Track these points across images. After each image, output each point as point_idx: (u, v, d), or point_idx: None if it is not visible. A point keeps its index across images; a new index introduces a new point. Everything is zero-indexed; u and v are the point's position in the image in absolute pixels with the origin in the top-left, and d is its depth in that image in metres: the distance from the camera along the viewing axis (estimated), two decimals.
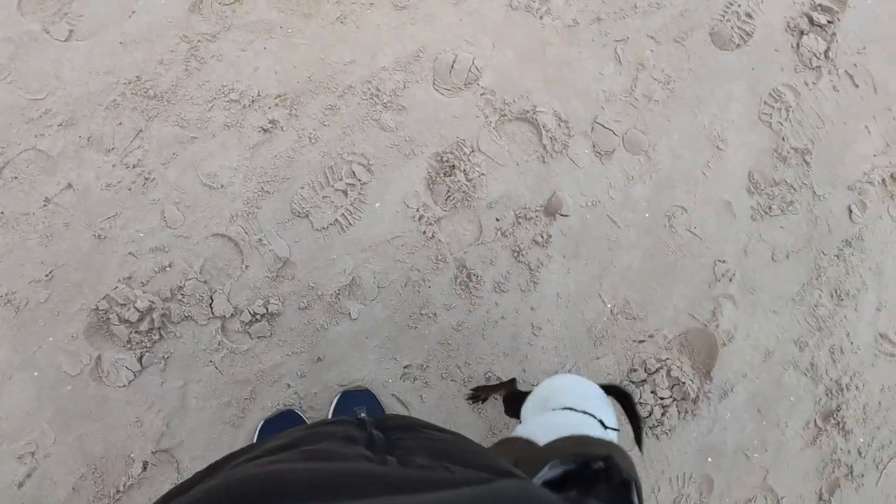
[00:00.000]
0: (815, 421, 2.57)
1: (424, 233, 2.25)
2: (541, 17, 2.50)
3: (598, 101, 2.52)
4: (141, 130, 2.06)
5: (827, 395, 2.58)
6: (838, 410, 2.58)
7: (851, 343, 2.64)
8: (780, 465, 2.49)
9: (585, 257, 2.40)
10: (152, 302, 1.98)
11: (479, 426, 2.22)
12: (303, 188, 2.16)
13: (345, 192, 2.21)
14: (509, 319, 2.30)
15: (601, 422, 1.41)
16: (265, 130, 2.16)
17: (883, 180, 2.82)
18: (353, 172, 2.23)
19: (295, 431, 0.92)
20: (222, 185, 2.10)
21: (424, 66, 2.36)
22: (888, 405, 2.67)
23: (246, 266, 2.08)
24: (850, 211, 2.74)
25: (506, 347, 2.29)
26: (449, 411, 2.20)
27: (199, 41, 2.16)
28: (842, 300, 2.66)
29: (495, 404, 2.26)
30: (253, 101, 2.17)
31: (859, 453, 2.60)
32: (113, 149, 2.03)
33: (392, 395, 2.16)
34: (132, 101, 2.07)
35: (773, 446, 2.49)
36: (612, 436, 1.41)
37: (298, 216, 2.14)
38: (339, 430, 0.89)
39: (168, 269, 2.01)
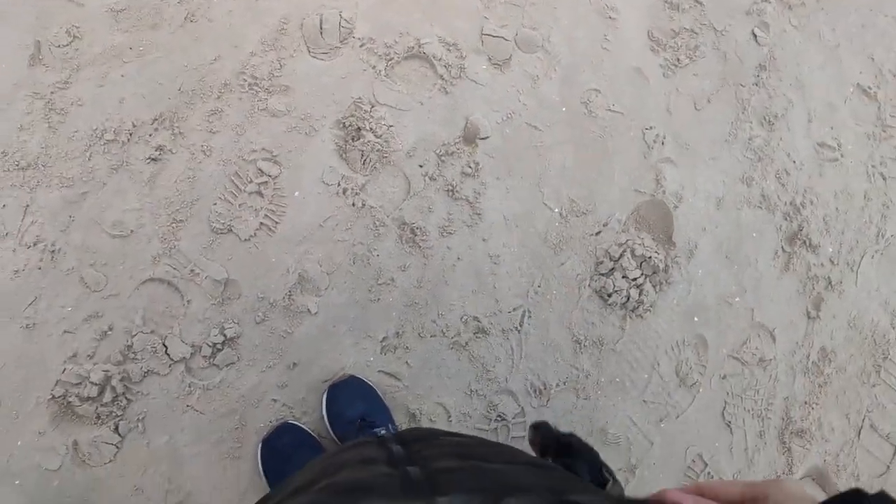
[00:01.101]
0: (783, 247, 2.64)
1: (353, 204, 2.20)
2: None
3: (479, 12, 2.44)
4: (27, 205, 1.95)
5: (786, 219, 2.64)
6: (801, 230, 2.65)
7: (794, 162, 2.69)
8: (762, 300, 2.57)
9: (519, 172, 2.38)
10: (106, 371, 1.91)
11: (472, 370, 2.24)
12: (215, 204, 2.07)
13: (259, 193, 2.13)
14: (466, 259, 2.28)
15: None
16: (155, 160, 2.05)
17: None
18: (261, 170, 2.14)
19: (314, 465, 0.93)
20: (132, 231, 2.01)
21: (293, 37, 2.25)
22: (844, 208, 2.75)
23: (188, 301, 2.01)
24: (755, 35, 2.74)
25: (472, 286, 2.28)
26: (438, 366, 2.21)
27: (52, 93, 2.02)
28: (773, 124, 2.69)
29: (483, 345, 2.27)
30: (131, 135, 2.05)
31: (832, 262, 2.69)
32: (6, 234, 1.92)
33: (378, 371, 2.16)
34: (7, 179, 1.94)
35: (750, 285, 2.56)
36: None
37: (222, 233, 2.07)
38: (355, 455, 0.90)
39: (109, 333, 1.94)
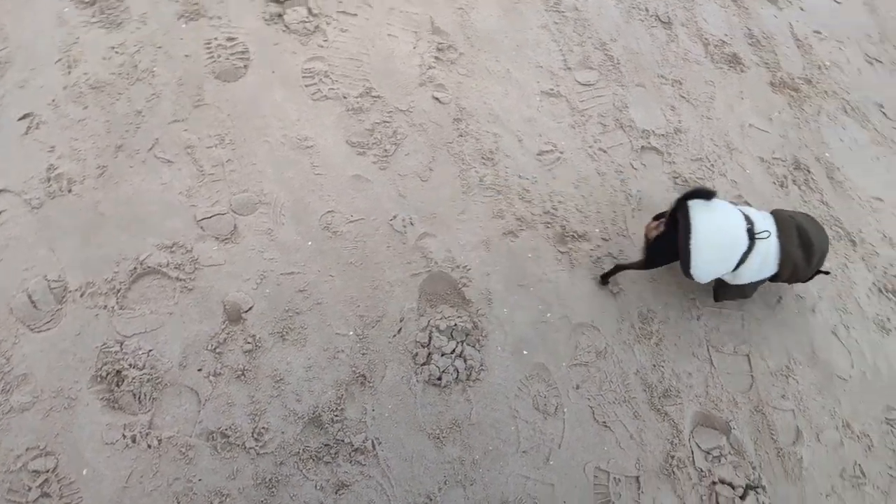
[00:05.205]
0: (559, 250, 2.82)
1: (149, 446, 2.06)
2: (69, 192, 2.35)
3: (184, 203, 2.46)
4: None
5: (547, 227, 2.85)
6: (564, 228, 2.86)
7: (527, 179, 2.93)
8: (570, 302, 2.72)
9: (297, 321, 2.36)
10: None
11: None
12: None
13: (46, 495, 1.97)
14: (289, 429, 2.20)
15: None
16: None
17: (436, 58, 3.11)
18: (35, 471, 1.98)
19: None
20: None
21: (8, 324, 2.16)
22: (588, 191, 3.01)
23: None
24: (437, 99, 3.00)
25: (312, 448, 2.19)
26: None
27: None
28: (493, 159, 2.93)
29: (351, 498, 2.17)
30: None
31: (604, 240, 2.92)
32: None
33: None
34: None
35: (552, 297, 2.70)
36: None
37: None
38: None
39: None
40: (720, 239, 2.35)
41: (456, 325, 2.51)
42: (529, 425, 2.46)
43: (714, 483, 2.52)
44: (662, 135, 3.26)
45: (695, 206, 2.34)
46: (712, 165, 3.28)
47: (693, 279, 2.46)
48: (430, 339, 2.48)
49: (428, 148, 2.87)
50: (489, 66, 3.19)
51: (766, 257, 2.45)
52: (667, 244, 2.43)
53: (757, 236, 2.40)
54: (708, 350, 2.80)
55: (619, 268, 2.71)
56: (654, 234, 2.47)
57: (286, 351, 2.33)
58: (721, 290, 2.73)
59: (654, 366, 2.69)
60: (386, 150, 2.79)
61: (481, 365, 2.50)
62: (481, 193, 2.84)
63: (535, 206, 2.88)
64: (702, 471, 2.53)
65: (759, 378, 2.79)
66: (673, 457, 2.53)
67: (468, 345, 2.51)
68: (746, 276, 2.51)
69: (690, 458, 2.54)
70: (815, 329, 2.96)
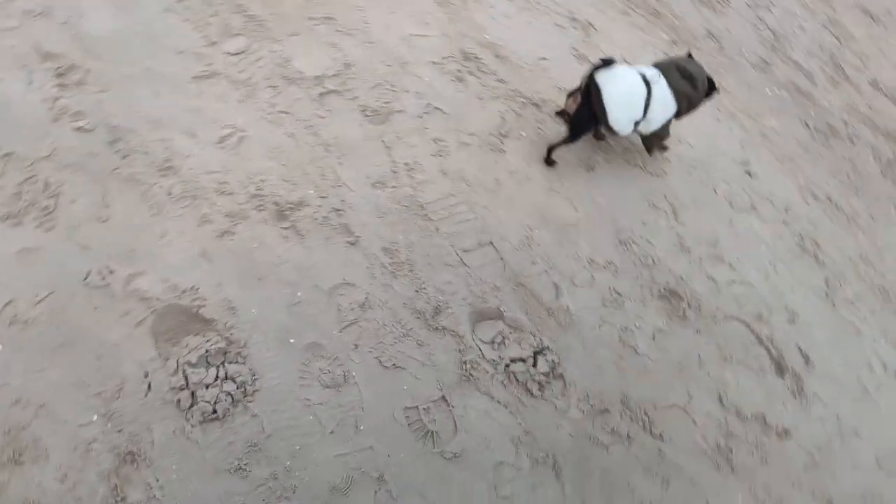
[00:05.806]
0: (281, 227, 2.70)
1: None
2: None
3: None
4: None
5: (259, 210, 2.70)
6: (276, 203, 2.74)
7: (219, 170, 2.71)
8: (317, 271, 2.66)
9: (26, 437, 2.04)
10: None
11: None
12: None
13: None
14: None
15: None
16: None
17: (60, 86, 2.76)
18: None
19: None
20: None
21: None
22: (286, 158, 2.89)
23: None
24: (80, 129, 2.67)
25: None
26: None
27: None
28: (171, 168, 2.68)
29: None
30: None
31: (322, 197, 2.83)
32: None
33: None
34: None
35: (295, 275, 2.63)
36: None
37: None
38: None
39: None
40: (625, 91, 2.94)
41: (207, 350, 2.33)
42: (326, 406, 2.39)
43: (507, 365, 2.66)
44: (335, 75, 3.22)
45: (599, 74, 2.88)
46: (393, 86, 3.33)
47: (615, 133, 3.08)
48: (186, 378, 2.27)
49: (94, 185, 2.54)
50: (125, 71, 2.87)
51: (665, 99, 3.06)
52: (585, 111, 2.98)
53: (649, 80, 2.98)
54: (457, 254, 2.90)
55: (552, 148, 3.20)
56: (574, 107, 3.02)
57: (29, 473, 1.99)
58: (648, 143, 3.36)
59: (417, 291, 2.74)
60: (45, 208, 2.42)
61: (253, 376, 2.35)
62: (175, 206, 2.60)
63: (239, 195, 2.72)
64: (493, 361, 2.66)
65: (508, 258, 2.97)
66: (466, 362, 2.62)
67: (229, 363, 2.34)
68: (656, 121, 3.12)
69: (480, 355, 2.66)
70: (536, 193, 3.20)
